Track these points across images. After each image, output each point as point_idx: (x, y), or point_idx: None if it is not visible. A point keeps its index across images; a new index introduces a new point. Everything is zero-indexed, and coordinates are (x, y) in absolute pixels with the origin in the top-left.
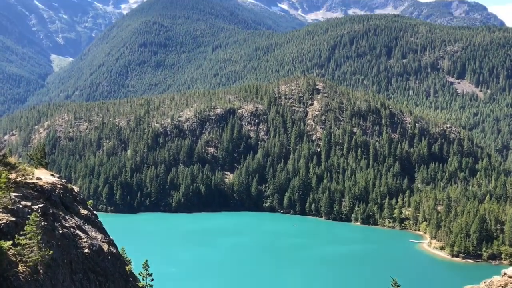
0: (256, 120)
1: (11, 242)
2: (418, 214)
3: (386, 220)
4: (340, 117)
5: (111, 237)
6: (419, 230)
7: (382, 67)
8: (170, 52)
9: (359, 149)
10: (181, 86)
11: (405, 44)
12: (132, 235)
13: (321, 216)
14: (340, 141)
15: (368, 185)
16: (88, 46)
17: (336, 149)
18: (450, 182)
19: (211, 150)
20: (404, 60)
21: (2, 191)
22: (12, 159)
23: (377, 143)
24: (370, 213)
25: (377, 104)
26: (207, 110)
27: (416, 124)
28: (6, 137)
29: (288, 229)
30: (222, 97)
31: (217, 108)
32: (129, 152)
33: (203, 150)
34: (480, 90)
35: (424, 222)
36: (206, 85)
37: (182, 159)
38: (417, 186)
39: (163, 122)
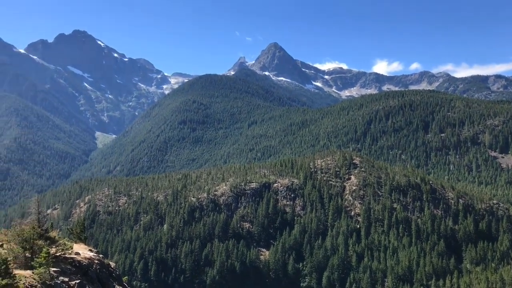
0: (292, 195)
1: None
2: None
3: None
4: (379, 192)
5: None
6: None
7: (420, 141)
8: (208, 128)
9: (401, 225)
10: (218, 160)
11: (442, 118)
12: None
13: None
14: (380, 217)
15: (412, 264)
16: (131, 124)
17: (376, 226)
18: (502, 262)
19: (246, 225)
20: (443, 135)
21: (43, 267)
22: (53, 233)
23: (419, 220)
24: None
25: (416, 179)
26: (243, 184)
27: (460, 200)
28: (49, 211)
29: None
30: (258, 172)
31: (252, 182)
32: (165, 226)
33: (238, 225)
34: None
35: None
36: (242, 159)
37: (217, 234)
38: (465, 267)
39: (199, 197)
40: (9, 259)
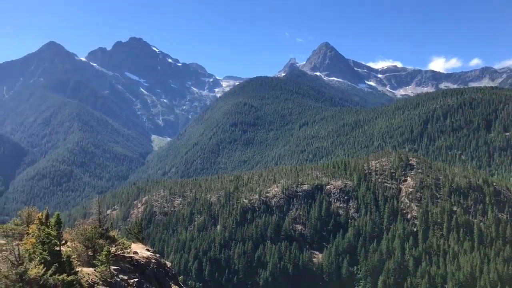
0: (345, 197)
1: None
2: None
3: None
4: (437, 194)
5: None
6: None
7: (482, 141)
8: (259, 130)
9: (461, 229)
10: (269, 162)
11: (507, 116)
12: None
13: None
14: (439, 220)
15: (475, 270)
16: (185, 127)
17: (434, 229)
18: None
19: (299, 227)
20: (507, 134)
21: (104, 265)
22: (113, 233)
23: (481, 224)
24: None
25: (478, 180)
26: (294, 186)
27: None
28: (109, 211)
29: None
30: (310, 173)
31: (304, 184)
32: (218, 227)
33: (291, 227)
34: None
35: None
36: (294, 161)
37: (269, 235)
38: None
39: (251, 198)
40: (73, 256)
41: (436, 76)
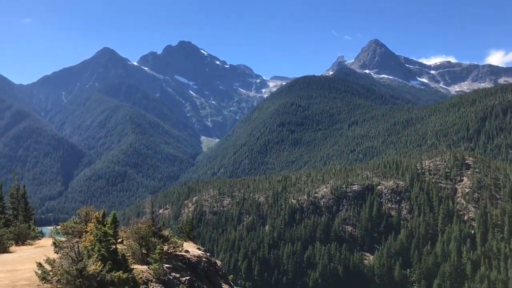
0: (397, 198)
1: None
2: None
3: None
4: (496, 195)
5: None
6: None
7: None
8: (306, 130)
9: None
10: (317, 162)
11: None
12: None
13: None
14: (499, 222)
15: None
16: (232, 128)
17: (494, 232)
18: None
19: (349, 228)
20: None
21: (157, 263)
22: (165, 232)
23: None
24: None
25: None
26: (344, 186)
27: None
28: (161, 211)
29: None
30: (360, 173)
31: (354, 184)
32: (267, 227)
33: (340, 228)
34: None
35: None
36: (343, 161)
37: (318, 236)
38: None
39: (299, 198)
40: (127, 254)
41: (494, 71)
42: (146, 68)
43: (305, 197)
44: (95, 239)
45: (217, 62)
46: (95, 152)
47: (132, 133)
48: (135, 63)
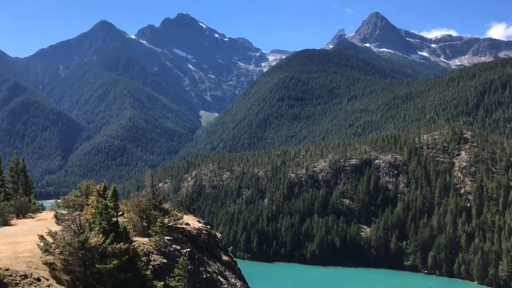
0: (395, 171)
1: (163, 283)
2: None
3: None
4: (493, 168)
5: (249, 285)
6: None
7: None
8: (306, 105)
9: None
10: (316, 137)
11: None
12: (269, 285)
13: (473, 280)
14: (494, 195)
15: None
16: (232, 102)
17: (489, 205)
18: None
19: (346, 201)
20: None
21: (158, 235)
22: (166, 205)
23: None
24: None
25: None
26: (342, 160)
27: None
28: (160, 184)
29: None
30: (358, 148)
31: (352, 158)
32: (266, 201)
33: (338, 201)
34: None
35: None
36: (341, 135)
37: (316, 209)
38: None
39: (298, 173)
40: (129, 227)
41: (495, 44)
42: (144, 42)
43: (304, 171)
44: (96, 212)
45: (216, 35)
46: (94, 127)
47: (131, 107)
48: (133, 37)
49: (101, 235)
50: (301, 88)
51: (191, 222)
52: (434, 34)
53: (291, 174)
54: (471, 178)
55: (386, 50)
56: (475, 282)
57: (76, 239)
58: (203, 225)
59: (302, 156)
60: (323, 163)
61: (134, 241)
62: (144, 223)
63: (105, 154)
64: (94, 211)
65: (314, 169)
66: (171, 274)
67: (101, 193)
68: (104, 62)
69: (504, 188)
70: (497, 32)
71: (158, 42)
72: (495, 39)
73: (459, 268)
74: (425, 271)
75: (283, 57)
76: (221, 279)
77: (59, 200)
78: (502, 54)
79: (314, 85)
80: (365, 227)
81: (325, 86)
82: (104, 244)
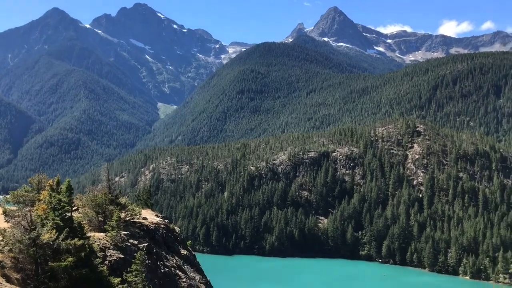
0: (352, 164)
1: (120, 278)
2: None
3: (500, 275)
4: (444, 161)
5: (208, 279)
6: None
7: (491, 107)
8: (266, 98)
9: (466, 195)
10: (276, 130)
11: None
12: (229, 278)
13: (424, 268)
14: (445, 186)
15: (478, 235)
16: (191, 94)
17: (440, 195)
18: None
19: (305, 193)
20: None
21: (114, 230)
22: (123, 200)
23: (487, 190)
24: (481, 267)
25: (485, 147)
26: (301, 153)
27: None
28: (117, 179)
29: (375, 279)
30: (316, 141)
31: (311, 151)
32: (225, 194)
33: (297, 193)
34: None
35: None
36: (300, 129)
37: (276, 202)
38: None
39: (258, 165)
40: (84, 222)
41: (446, 41)
42: (99, 31)
43: (264, 164)
44: (49, 207)
45: (175, 26)
46: (46, 119)
47: (85, 99)
48: (88, 26)
49: (54, 231)
50: (261, 81)
51: (149, 216)
52: (390, 29)
53: (251, 167)
54: (423, 170)
55: (344, 44)
56: (426, 270)
57: (26, 236)
58: (161, 219)
59: (262, 149)
60: (282, 156)
61: (90, 236)
62: (100, 218)
63: (59, 148)
64: (46, 207)
65: (274, 162)
66: (129, 269)
67: (54, 187)
68: (57, 51)
69: (454, 180)
70: (449, 29)
71: (114, 32)
72: (446, 36)
73: (411, 257)
74: (380, 260)
75: (243, 49)
76: (179, 273)
77: (8, 196)
78: (453, 50)
79: (274, 78)
80: (323, 218)
81: (284, 79)
82: (57, 241)
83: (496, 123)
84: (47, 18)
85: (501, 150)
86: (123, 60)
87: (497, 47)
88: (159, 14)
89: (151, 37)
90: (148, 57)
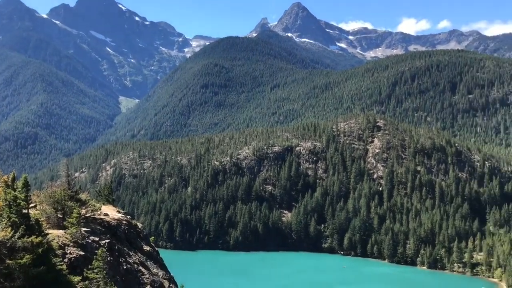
0: (314, 158)
1: (80, 277)
2: (491, 259)
3: (455, 265)
4: (402, 155)
5: (171, 274)
6: (493, 277)
7: (447, 103)
8: (230, 92)
9: (424, 188)
10: (240, 124)
11: (471, 79)
12: (192, 273)
13: (384, 259)
14: (403, 180)
15: (435, 226)
16: (153, 88)
17: (399, 188)
18: None
19: (269, 188)
20: (470, 96)
21: (74, 227)
22: (83, 196)
23: (443, 183)
24: (438, 257)
25: (442, 141)
26: (265, 148)
27: (486, 162)
28: (77, 174)
29: (335, 270)
30: (280, 135)
31: (275, 146)
32: (189, 189)
33: (261, 188)
34: None
35: (499, 269)
36: (265, 123)
37: (240, 196)
38: (489, 229)
39: (222, 160)
40: (42, 219)
41: (406, 38)
42: (57, 22)
43: (228, 158)
44: (4, 204)
45: (137, 18)
46: (0, 112)
47: (42, 92)
48: (45, 16)
49: (9, 229)
50: (225, 75)
51: (110, 212)
52: (351, 26)
53: (215, 162)
54: (383, 164)
55: (307, 40)
56: (386, 261)
57: None
58: (123, 215)
59: (226, 144)
60: (247, 150)
61: (48, 234)
62: (59, 215)
63: (14, 142)
64: (1, 204)
65: (238, 156)
66: (90, 266)
67: (10, 184)
68: (11, 42)
69: (412, 173)
70: (408, 26)
71: (73, 23)
72: (406, 33)
73: (372, 249)
74: (342, 253)
75: (207, 43)
76: (142, 269)
77: None
78: (412, 48)
79: (238, 73)
80: (286, 212)
81: (248, 74)
82: (13, 239)
83: (452, 119)
84: (1, 7)
85: (456, 145)
86: (83, 52)
87: (452, 45)
88: (120, 6)
89: (112, 29)
90: (109, 50)
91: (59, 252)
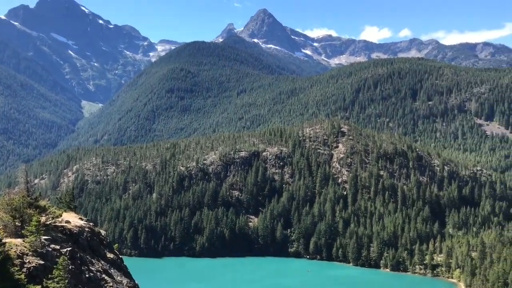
0: (281, 163)
1: (40, 286)
2: (450, 260)
3: (417, 266)
4: (366, 159)
5: (136, 282)
6: (452, 277)
7: (408, 109)
8: (196, 97)
9: (387, 192)
10: (207, 130)
11: (431, 86)
12: (157, 280)
13: (349, 262)
14: (367, 184)
15: (397, 230)
16: (117, 92)
17: (363, 193)
18: (483, 227)
19: (236, 193)
20: (430, 103)
21: (33, 235)
22: (43, 202)
23: (405, 187)
24: (400, 259)
25: (403, 146)
26: (232, 153)
27: (445, 166)
28: (37, 181)
29: (300, 275)
30: (247, 140)
31: (241, 151)
32: (154, 195)
33: (228, 193)
34: (511, 132)
35: (458, 269)
36: (231, 128)
37: (206, 202)
38: (448, 231)
39: (188, 166)
40: None
41: (368, 46)
42: (16, 23)
43: (194, 164)
44: None
45: (100, 21)
46: None
47: (0, 96)
48: (3, 17)
49: None
50: (191, 80)
51: (72, 219)
52: (316, 33)
53: (181, 167)
54: (347, 169)
55: (273, 46)
56: (351, 264)
57: None
58: (85, 222)
59: (192, 149)
60: (213, 156)
61: (5, 243)
62: (17, 223)
63: None
64: None
65: (205, 161)
66: (50, 275)
67: None
68: None
69: (375, 177)
70: (371, 34)
71: (33, 25)
72: (368, 41)
73: (337, 252)
74: (308, 257)
75: (173, 47)
76: (106, 277)
77: None
78: (374, 55)
79: (204, 78)
80: (253, 217)
81: (215, 79)
82: None
83: (413, 124)
84: None
85: (417, 150)
86: (44, 55)
87: (413, 53)
88: (83, 8)
89: (74, 32)
90: (71, 53)
91: (17, 261)
